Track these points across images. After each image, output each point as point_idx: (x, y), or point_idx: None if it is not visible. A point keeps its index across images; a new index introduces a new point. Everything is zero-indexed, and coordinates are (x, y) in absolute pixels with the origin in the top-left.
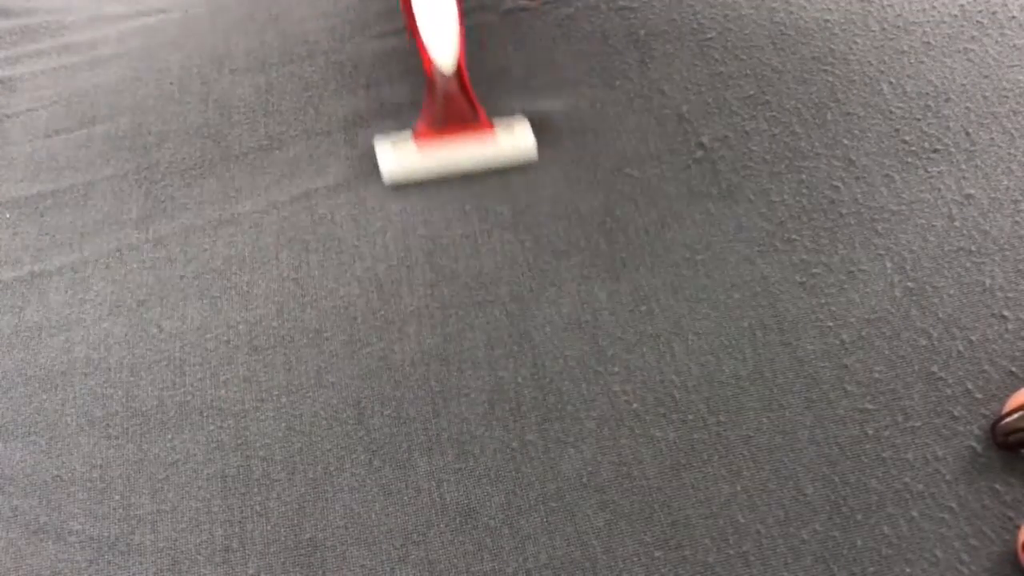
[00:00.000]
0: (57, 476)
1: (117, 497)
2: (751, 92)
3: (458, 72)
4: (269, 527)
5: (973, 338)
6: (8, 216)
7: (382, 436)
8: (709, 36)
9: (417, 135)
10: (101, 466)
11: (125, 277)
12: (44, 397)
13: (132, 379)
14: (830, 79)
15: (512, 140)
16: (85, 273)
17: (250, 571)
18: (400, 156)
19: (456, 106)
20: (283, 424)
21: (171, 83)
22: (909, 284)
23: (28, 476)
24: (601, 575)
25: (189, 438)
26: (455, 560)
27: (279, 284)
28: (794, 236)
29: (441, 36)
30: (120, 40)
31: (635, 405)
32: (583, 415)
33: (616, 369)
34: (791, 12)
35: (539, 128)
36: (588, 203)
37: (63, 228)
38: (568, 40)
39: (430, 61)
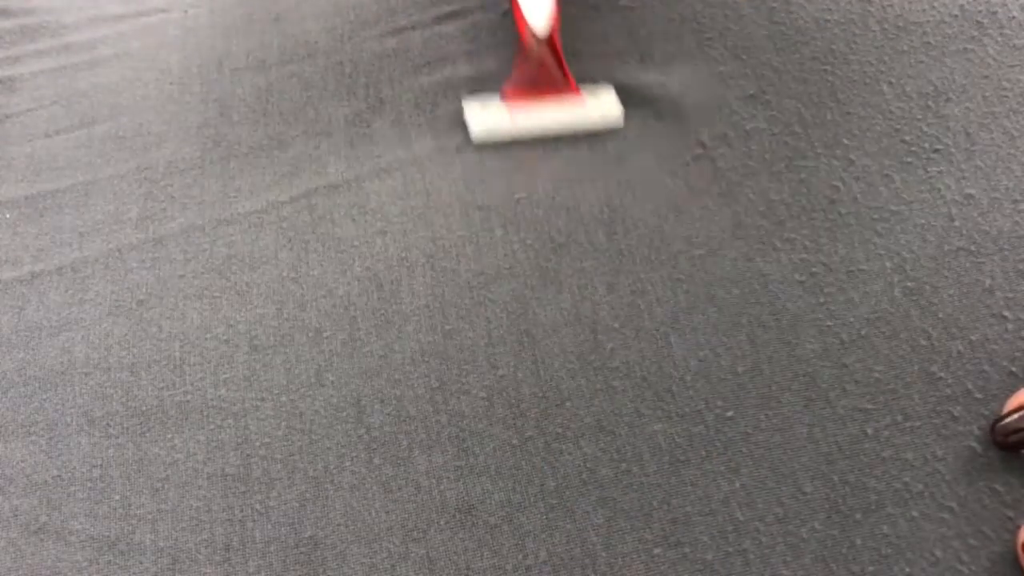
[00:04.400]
0: (57, 476)
1: (117, 497)
2: (751, 92)
3: (551, 38)
4: (269, 526)
5: (973, 338)
6: (8, 216)
7: (382, 434)
8: (709, 36)
9: (506, 97)
10: (101, 466)
11: (125, 277)
12: (44, 397)
13: (132, 379)
14: (830, 79)
15: (599, 106)
16: (85, 273)
17: (250, 570)
18: (489, 116)
19: (547, 71)
20: (283, 423)
21: (171, 83)
22: (909, 284)
23: (28, 476)
24: (600, 572)
25: (189, 437)
26: (455, 557)
27: (279, 284)
28: (794, 235)
29: (537, 1)
30: (120, 40)
31: (634, 401)
32: (582, 411)
33: (615, 364)
34: (791, 12)
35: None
36: (589, 199)
37: (63, 228)
38: (569, 40)
39: (524, 25)
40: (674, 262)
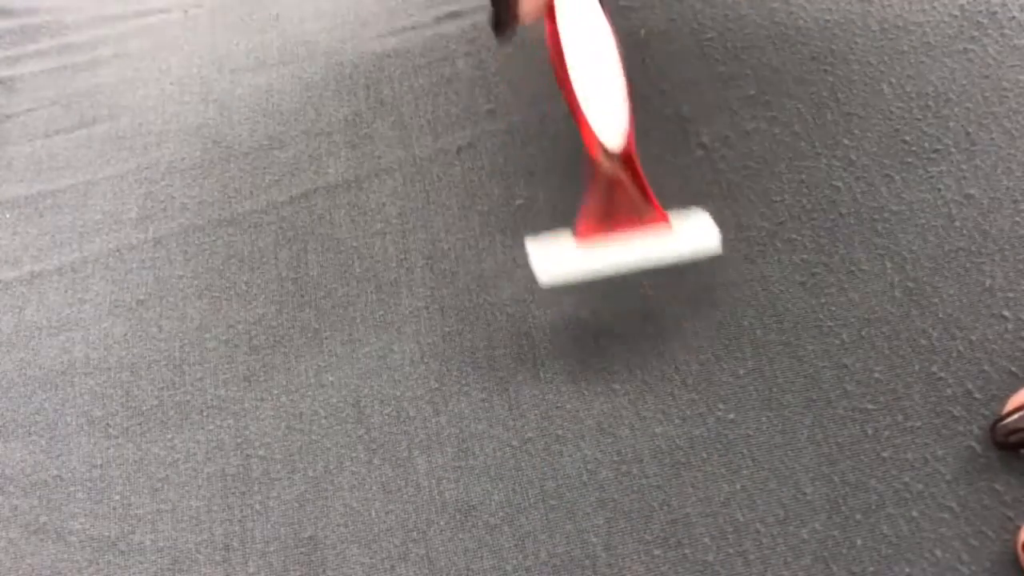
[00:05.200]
0: (57, 476)
1: (117, 497)
2: (751, 92)
3: (627, 155)
4: (269, 525)
5: (973, 338)
6: (8, 216)
7: (381, 435)
8: (709, 36)
9: (580, 233)
10: (101, 466)
11: (125, 277)
12: (44, 397)
13: (132, 379)
14: (830, 79)
15: (692, 231)
16: (85, 273)
17: (250, 570)
18: (558, 255)
19: (624, 195)
20: (283, 423)
21: (171, 83)
22: (909, 284)
23: (28, 476)
24: (601, 573)
25: (189, 437)
26: (455, 558)
27: (278, 284)
28: (794, 236)
29: (607, 108)
30: (120, 40)
31: (635, 404)
32: (583, 413)
33: (616, 367)
34: (791, 12)
35: (538, 130)
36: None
37: (63, 228)
38: None
39: (594, 140)
40: (675, 266)
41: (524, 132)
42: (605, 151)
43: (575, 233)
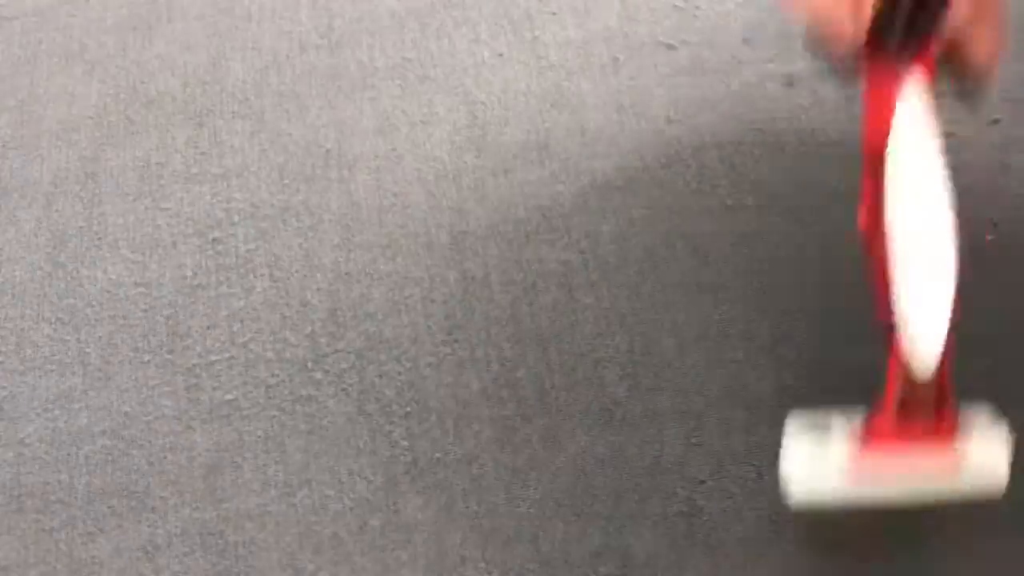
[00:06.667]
0: (58, 476)
1: (117, 497)
2: None
3: (937, 379)
4: (270, 526)
5: (973, 338)
6: (12, 207)
7: (382, 435)
8: None
9: (865, 443)
10: (101, 466)
11: (129, 274)
12: (45, 396)
13: (132, 379)
14: None
15: (980, 463)
16: (85, 273)
17: (251, 571)
18: (824, 470)
19: (916, 413)
20: (284, 425)
21: (171, 82)
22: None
23: (30, 475)
24: (607, 565)
25: (189, 438)
26: (456, 557)
27: (281, 284)
28: (793, 232)
29: (922, 327)
30: (120, 40)
31: (636, 403)
32: (583, 413)
33: (617, 367)
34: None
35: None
36: (588, 200)
37: (66, 226)
38: None
39: (899, 352)
40: (676, 264)
41: None
42: (911, 373)
43: (858, 441)
